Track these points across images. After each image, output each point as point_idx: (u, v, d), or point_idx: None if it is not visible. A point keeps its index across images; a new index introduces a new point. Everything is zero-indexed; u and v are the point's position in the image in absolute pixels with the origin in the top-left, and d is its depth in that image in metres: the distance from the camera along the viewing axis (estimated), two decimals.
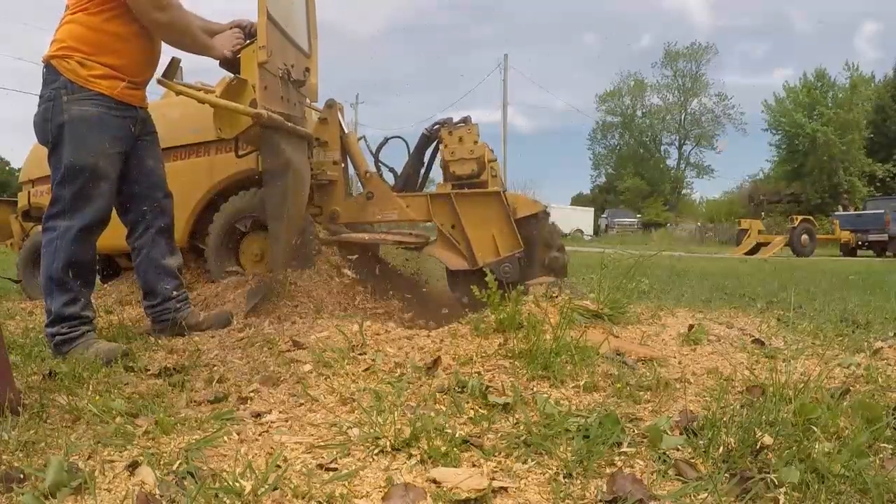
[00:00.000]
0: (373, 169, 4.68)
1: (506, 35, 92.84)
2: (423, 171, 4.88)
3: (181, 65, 3.54)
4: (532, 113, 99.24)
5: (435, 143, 4.73)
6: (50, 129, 3.04)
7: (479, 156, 4.46)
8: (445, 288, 4.70)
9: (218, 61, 3.45)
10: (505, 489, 1.56)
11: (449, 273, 4.54)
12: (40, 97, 3.09)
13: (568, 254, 4.72)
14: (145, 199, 3.34)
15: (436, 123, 4.66)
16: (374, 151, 4.83)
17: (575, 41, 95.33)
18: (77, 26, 3.06)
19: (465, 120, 4.55)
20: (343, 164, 4.56)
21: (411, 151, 4.82)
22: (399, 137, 4.88)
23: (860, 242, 24.77)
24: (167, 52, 3.41)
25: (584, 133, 60.72)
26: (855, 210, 27.79)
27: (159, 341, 3.20)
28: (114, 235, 3.24)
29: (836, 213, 27.70)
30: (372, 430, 1.86)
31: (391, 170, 4.80)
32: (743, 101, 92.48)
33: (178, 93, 3.42)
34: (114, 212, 3.23)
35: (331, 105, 4.46)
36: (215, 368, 2.69)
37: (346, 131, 4.62)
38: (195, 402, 2.27)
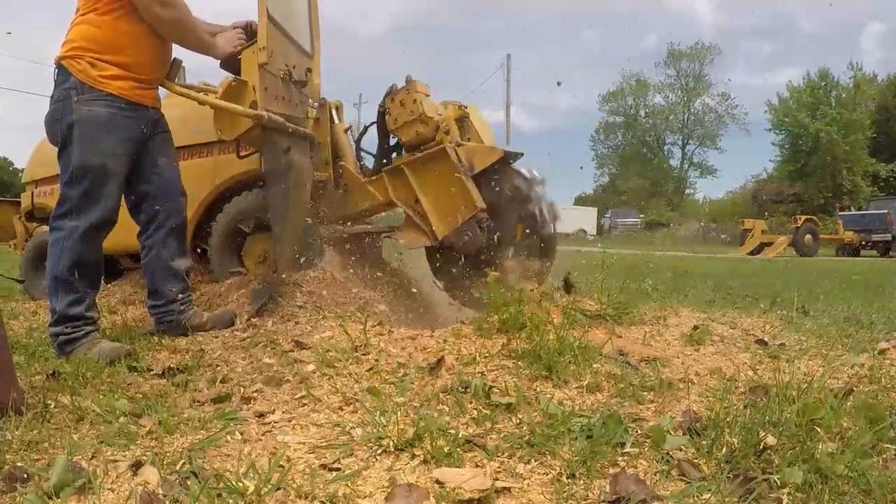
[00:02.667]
0: (357, 161, 4.54)
1: (511, 35, 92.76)
2: (393, 151, 4.49)
3: (184, 65, 3.54)
4: (537, 112, 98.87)
5: None
6: (60, 130, 3.05)
7: (420, 114, 3.97)
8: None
9: (219, 62, 3.46)
10: (508, 489, 1.56)
11: (426, 254, 4.28)
12: (51, 98, 3.11)
13: (555, 212, 4.11)
14: (157, 198, 3.34)
15: (385, 95, 4.25)
16: (355, 140, 4.63)
17: (580, 41, 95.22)
18: (88, 27, 3.07)
19: (407, 80, 4.10)
20: (339, 162, 4.49)
21: (378, 134, 4.44)
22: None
23: (863, 242, 24.74)
24: (177, 52, 3.43)
25: (588, 133, 60.65)
26: (857, 209, 27.75)
27: (162, 341, 3.20)
28: (117, 236, 3.24)
29: (840, 213, 27.66)
30: (375, 431, 1.86)
31: (374, 157, 4.56)
32: (749, 101, 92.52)
33: (180, 94, 3.42)
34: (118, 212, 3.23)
35: (322, 104, 4.38)
36: (218, 368, 2.69)
37: (336, 122, 4.52)
38: (198, 402, 2.27)
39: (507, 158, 3.97)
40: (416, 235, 4.10)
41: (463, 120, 4.22)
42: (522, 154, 4.05)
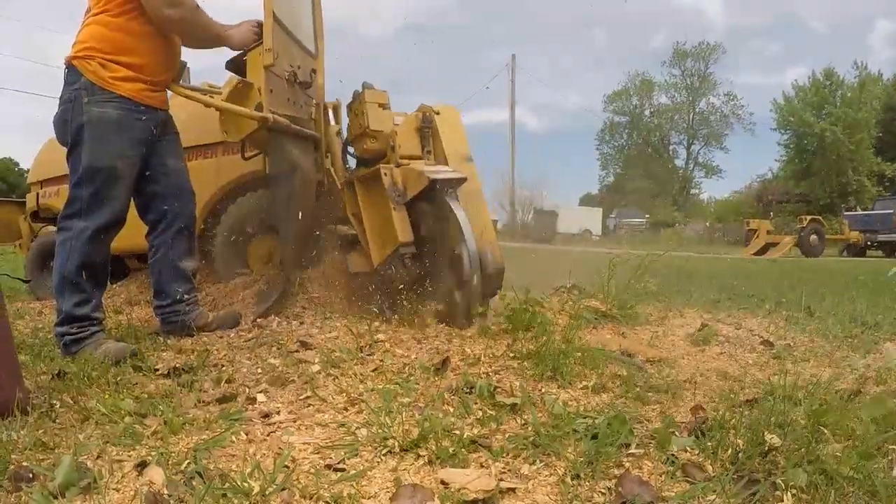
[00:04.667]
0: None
1: (519, 35, 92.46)
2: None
3: (188, 67, 3.54)
4: (544, 112, 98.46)
5: None
6: (69, 130, 3.05)
7: (366, 128, 3.63)
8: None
9: (224, 64, 3.46)
10: (513, 490, 1.56)
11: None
12: (61, 98, 3.11)
13: (495, 256, 3.49)
14: (166, 199, 3.34)
15: None
16: (343, 142, 4.34)
17: (588, 40, 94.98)
18: (99, 27, 3.07)
19: (364, 86, 3.75)
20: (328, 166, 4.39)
21: None
22: None
23: (869, 242, 24.67)
24: (185, 54, 3.42)
25: (594, 133, 60.73)
26: (863, 209, 27.69)
27: (168, 341, 3.21)
28: (123, 236, 3.24)
29: (846, 213, 27.61)
30: (380, 431, 1.86)
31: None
32: (757, 100, 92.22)
33: (185, 97, 3.42)
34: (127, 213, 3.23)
35: (317, 104, 4.28)
36: (224, 369, 2.70)
37: (331, 124, 4.43)
38: (203, 402, 2.28)
39: (436, 186, 3.45)
40: (359, 259, 3.81)
41: (425, 129, 3.91)
42: (464, 179, 3.57)
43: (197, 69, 4.05)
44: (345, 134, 4.33)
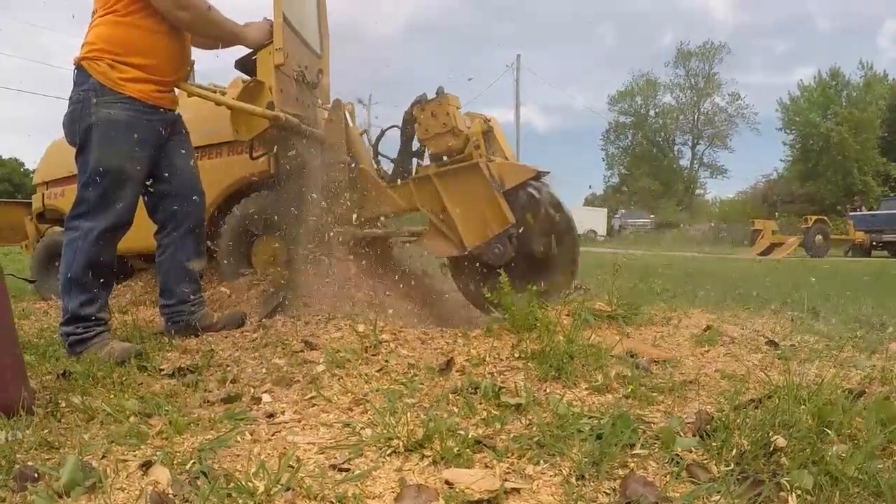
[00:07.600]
0: (374, 165, 4.53)
1: (526, 34, 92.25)
2: (414, 157, 4.47)
3: (194, 67, 3.55)
4: (550, 112, 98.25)
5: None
6: (77, 131, 3.06)
7: (453, 127, 4.05)
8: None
9: (234, 63, 3.46)
10: (517, 490, 1.55)
11: (448, 262, 4.34)
12: (70, 99, 3.12)
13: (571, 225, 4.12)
14: (176, 198, 3.35)
15: (413, 103, 4.24)
16: (373, 143, 4.62)
17: (595, 40, 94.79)
18: (107, 28, 3.08)
19: (438, 92, 4.14)
20: (354, 164, 4.48)
21: (401, 139, 4.44)
22: (397, 127, 4.44)
23: (874, 243, 24.59)
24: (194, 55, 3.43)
25: (600, 133, 60.79)
26: (868, 210, 27.60)
27: (173, 341, 3.21)
28: (128, 237, 3.25)
29: (851, 213, 27.52)
30: (385, 431, 1.86)
31: (392, 161, 4.53)
32: (765, 100, 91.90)
33: (196, 95, 3.42)
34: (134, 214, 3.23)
35: (336, 104, 4.35)
36: (228, 368, 2.70)
37: (350, 126, 4.48)
38: (208, 402, 2.28)
39: (539, 177, 4.07)
40: (443, 245, 4.17)
41: (488, 133, 4.27)
42: (549, 172, 4.12)
43: (199, 69, 4.06)
44: (374, 135, 4.47)
